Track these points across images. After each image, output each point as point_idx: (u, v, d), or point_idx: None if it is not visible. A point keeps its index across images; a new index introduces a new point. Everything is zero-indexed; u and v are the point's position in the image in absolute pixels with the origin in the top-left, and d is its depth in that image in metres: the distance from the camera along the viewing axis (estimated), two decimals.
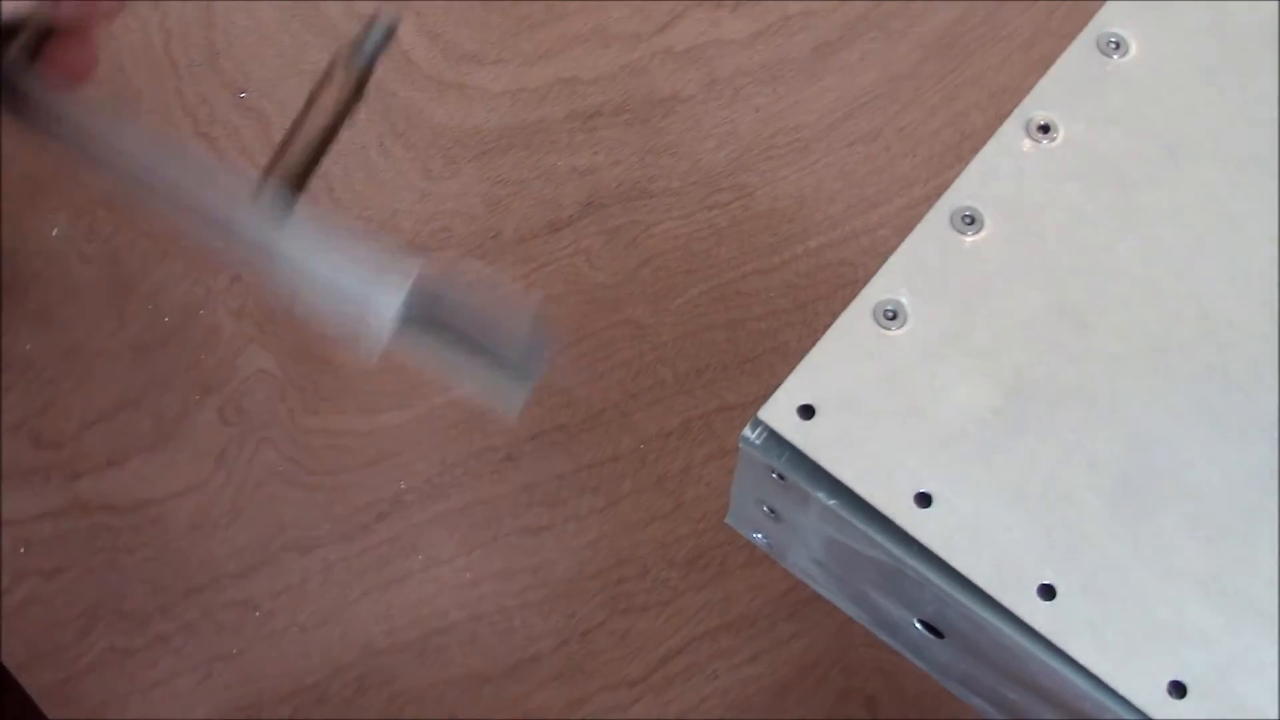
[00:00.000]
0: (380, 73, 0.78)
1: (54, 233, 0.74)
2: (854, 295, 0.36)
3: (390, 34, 0.39)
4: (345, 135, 0.75)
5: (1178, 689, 0.32)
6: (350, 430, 0.69)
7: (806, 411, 0.35)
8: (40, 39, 0.39)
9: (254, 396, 0.69)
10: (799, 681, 0.63)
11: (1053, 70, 0.40)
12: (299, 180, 0.37)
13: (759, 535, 0.42)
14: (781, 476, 0.36)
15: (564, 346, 0.70)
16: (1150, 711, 0.32)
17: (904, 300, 0.37)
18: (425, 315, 0.35)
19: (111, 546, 0.66)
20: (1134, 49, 0.40)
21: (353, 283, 0.35)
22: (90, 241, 0.74)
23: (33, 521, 0.66)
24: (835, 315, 0.74)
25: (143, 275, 0.73)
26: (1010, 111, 0.78)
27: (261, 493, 0.67)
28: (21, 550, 0.66)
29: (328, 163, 0.40)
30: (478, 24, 0.79)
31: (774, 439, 0.36)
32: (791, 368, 0.33)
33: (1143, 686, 0.32)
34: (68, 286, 0.72)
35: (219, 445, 0.68)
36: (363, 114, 0.77)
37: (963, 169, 0.75)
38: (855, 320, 0.37)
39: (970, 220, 0.38)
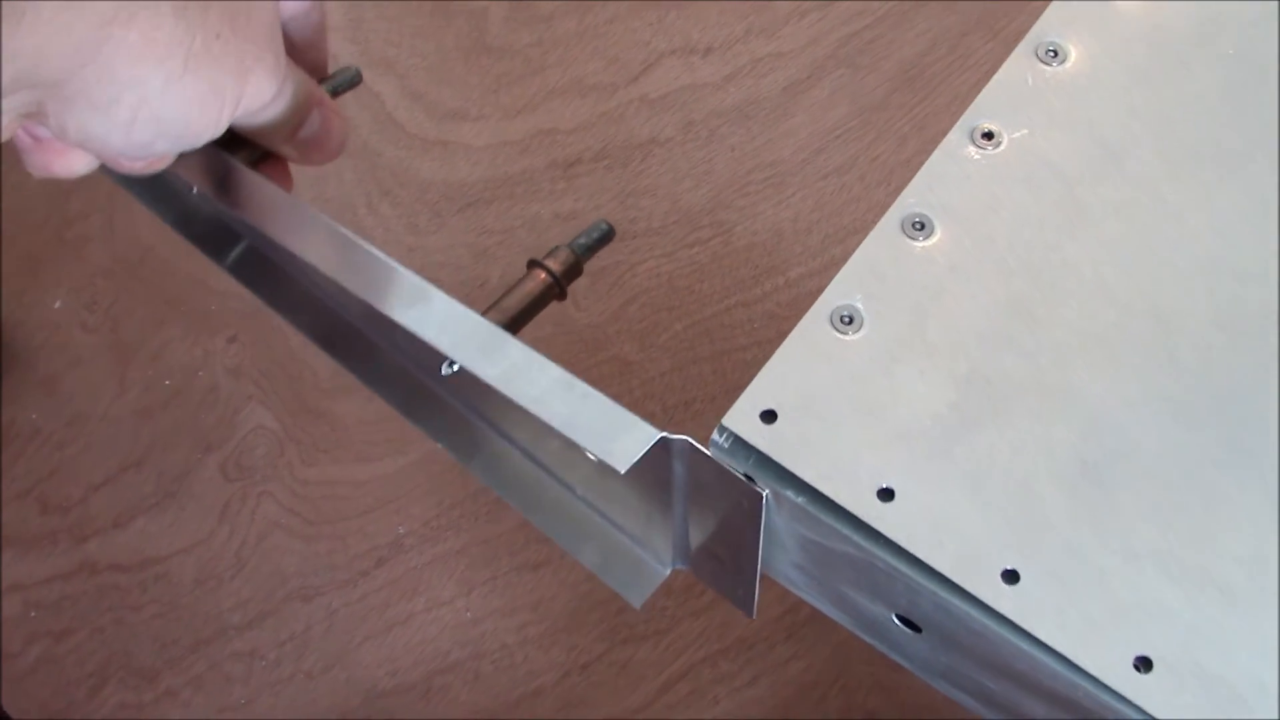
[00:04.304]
0: (366, 135, 0.80)
1: (56, 305, 0.76)
2: None
3: (607, 238, 0.42)
4: (334, 195, 0.77)
5: (1143, 663, 0.33)
6: (348, 479, 0.70)
7: (769, 416, 0.36)
8: (260, 158, 0.42)
9: (254, 451, 0.71)
10: (800, 702, 0.63)
11: (994, 80, 0.41)
12: (513, 326, 0.39)
13: None
14: (750, 479, 0.37)
15: None
16: (1117, 686, 0.33)
17: (859, 305, 0.38)
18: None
19: (119, 605, 0.67)
20: (1072, 56, 0.42)
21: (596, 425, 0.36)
22: (91, 312, 0.76)
23: (42, 585, 0.68)
24: None
25: (142, 341, 0.74)
26: None
27: (264, 545, 0.68)
28: (32, 614, 0.67)
29: None
30: (459, 83, 0.82)
31: (740, 444, 0.37)
32: None
33: (1109, 663, 0.33)
34: (71, 356, 0.74)
35: (221, 501, 0.70)
36: (350, 174, 0.79)
37: None
38: (813, 327, 0.38)
39: (920, 226, 0.39)
